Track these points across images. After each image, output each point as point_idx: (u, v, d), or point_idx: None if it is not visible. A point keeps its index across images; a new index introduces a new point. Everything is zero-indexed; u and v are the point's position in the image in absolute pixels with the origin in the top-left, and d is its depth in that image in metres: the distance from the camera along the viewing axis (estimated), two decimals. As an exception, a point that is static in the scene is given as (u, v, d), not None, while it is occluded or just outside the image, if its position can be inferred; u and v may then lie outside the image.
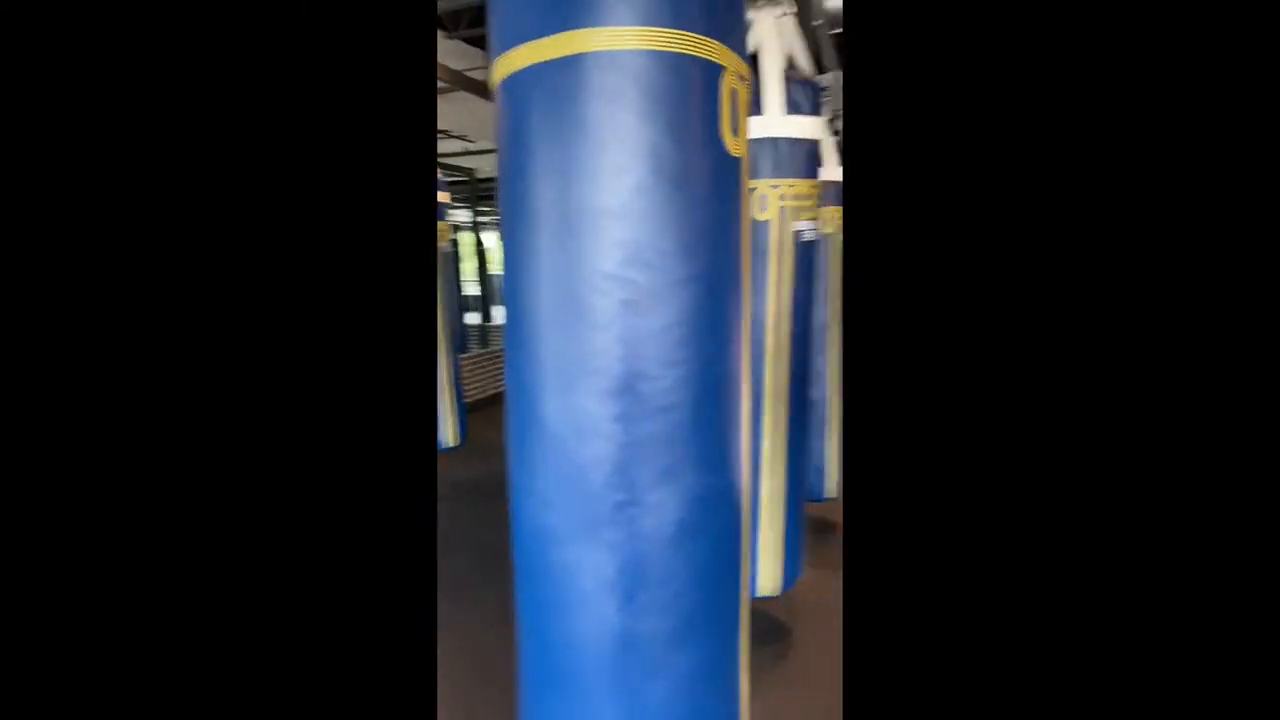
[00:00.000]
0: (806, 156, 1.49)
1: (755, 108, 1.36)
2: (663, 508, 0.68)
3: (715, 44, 0.63)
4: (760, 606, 1.96)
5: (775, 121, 1.45)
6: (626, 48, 0.61)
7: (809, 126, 1.49)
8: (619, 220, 0.64)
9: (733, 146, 0.66)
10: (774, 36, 1.42)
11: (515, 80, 0.66)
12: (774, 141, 1.44)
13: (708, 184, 0.65)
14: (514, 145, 0.68)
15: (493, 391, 5.19)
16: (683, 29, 0.61)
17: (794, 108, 1.46)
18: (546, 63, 0.63)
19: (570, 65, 0.62)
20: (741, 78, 0.67)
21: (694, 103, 0.63)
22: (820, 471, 2.53)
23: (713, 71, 0.63)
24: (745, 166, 0.69)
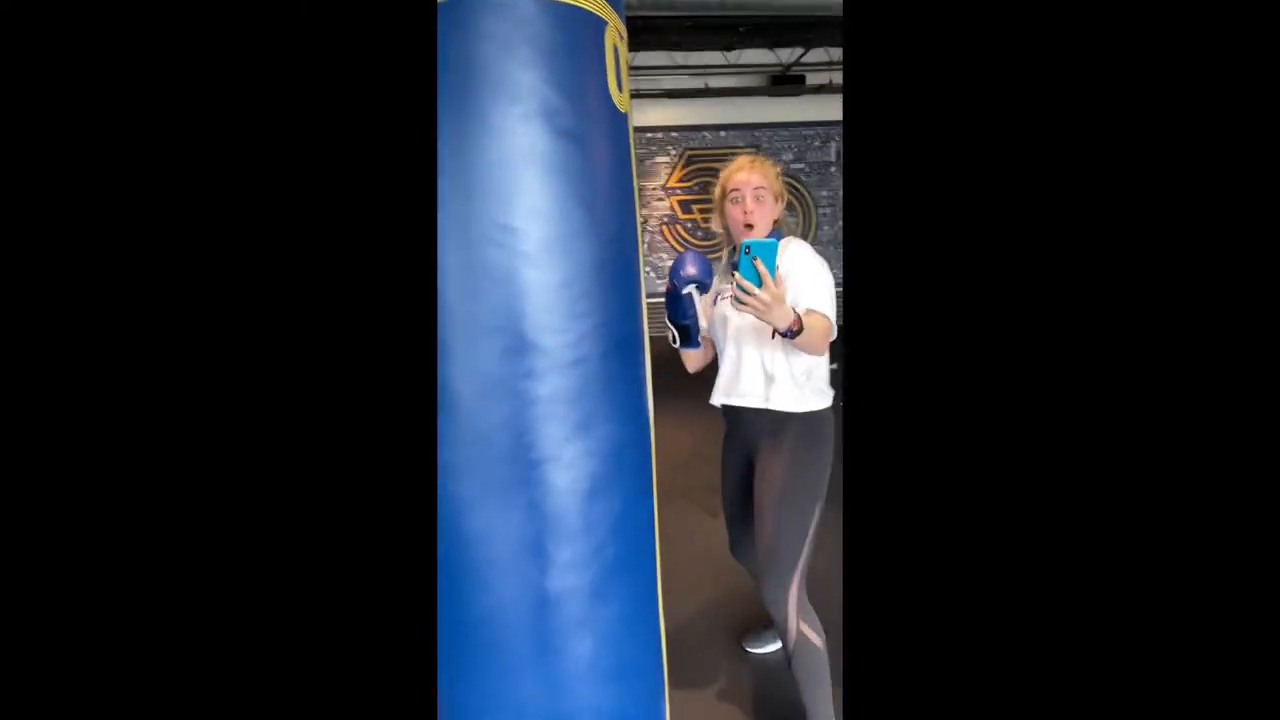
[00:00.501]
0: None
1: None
2: (577, 463, 0.68)
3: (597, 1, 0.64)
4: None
5: None
6: None
7: None
8: (513, 170, 0.63)
9: (620, 102, 0.67)
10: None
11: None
12: None
13: (601, 138, 0.66)
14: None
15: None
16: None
17: None
18: (442, 3, 0.60)
19: (460, 6, 0.60)
20: (621, 35, 0.69)
21: (583, 56, 0.64)
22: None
23: (598, 26, 0.64)
24: (630, 123, 0.71)
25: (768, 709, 1.69)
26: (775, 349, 1.38)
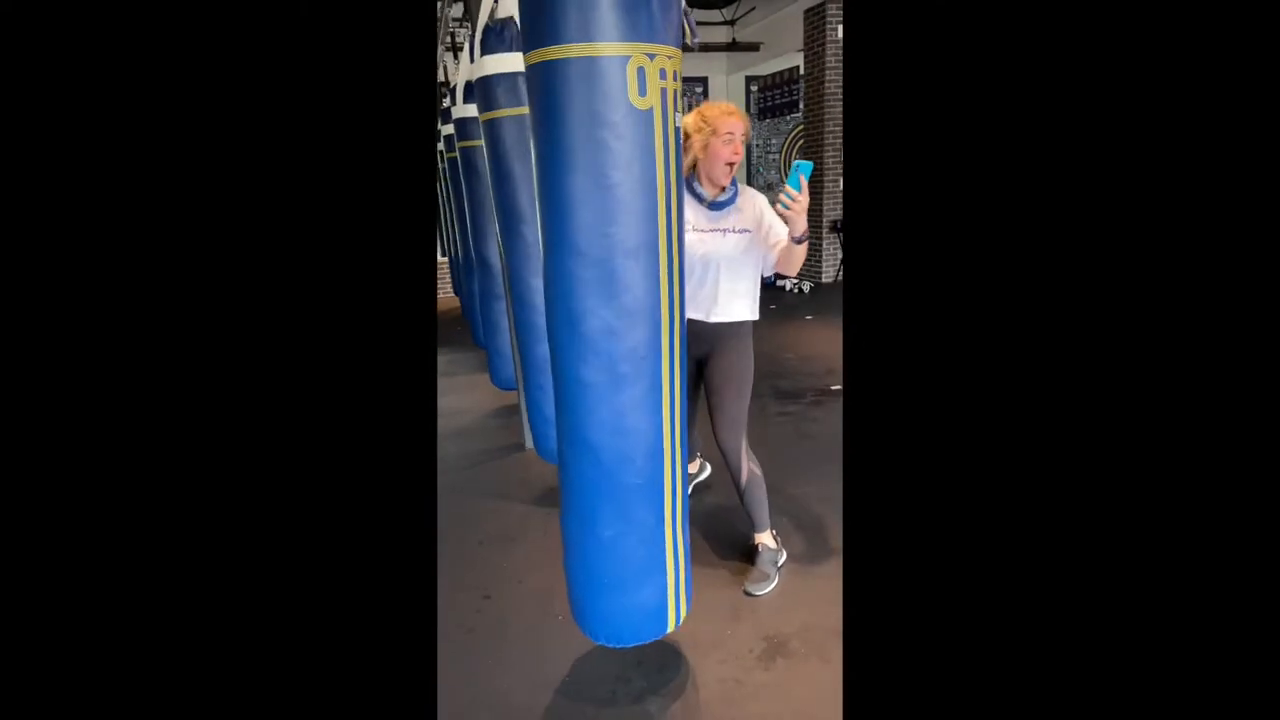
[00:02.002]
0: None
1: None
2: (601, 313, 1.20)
3: (617, 45, 1.07)
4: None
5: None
6: (569, 56, 1.07)
7: None
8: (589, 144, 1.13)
9: (640, 103, 1.11)
10: None
11: (535, 69, 1.13)
12: None
13: (626, 131, 1.11)
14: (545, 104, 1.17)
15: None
16: (581, 41, 1.07)
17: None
18: (551, 62, 1.10)
19: (552, 65, 1.09)
20: (649, 55, 1.10)
21: (609, 80, 1.08)
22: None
23: (616, 63, 1.08)
24: (656, 114, 1.13)
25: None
26: (743, 278, 1.93)
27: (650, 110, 1.12)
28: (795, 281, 6.90)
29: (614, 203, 1.14)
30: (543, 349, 1.95)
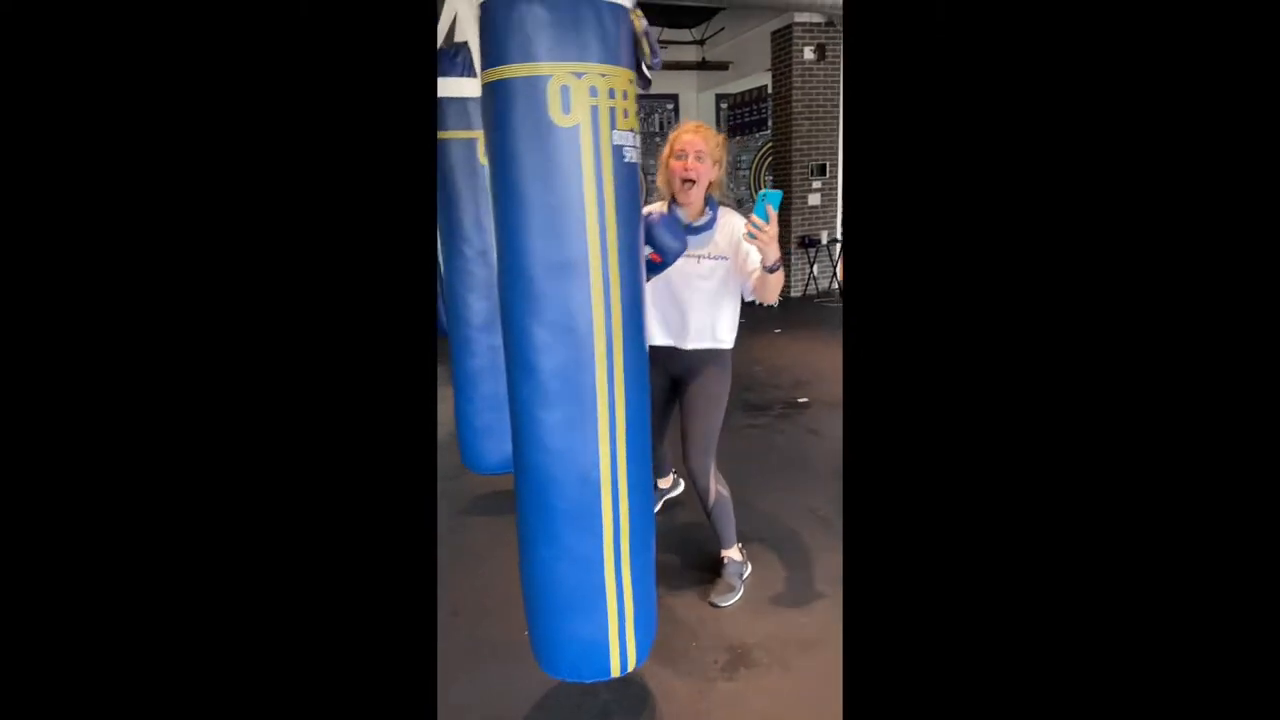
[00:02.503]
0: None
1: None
2: (530, 338, 1.20)
3: (543, 64, 1.08)
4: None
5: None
6: (504, 78, 1.09)
7: None
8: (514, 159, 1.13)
9: (563, 120, 1.11)
10: None
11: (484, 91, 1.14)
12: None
13: (539, 147, 1.12)
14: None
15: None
16: (517, 62, 1.08)
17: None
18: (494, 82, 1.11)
19: (491, 86, 1.11)
20: (576, 74, 1.11)
21: (532, 99, 1.09)
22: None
23: (540, 81, 1.09)
24: (584, 131, 1.14)
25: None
26: (719, 306, 1.92)
27: (575, 127, 1.13)
28: (766, 296, 6.94)
29: (536, 218, 1.15)
30: (474, 362, 1.90)
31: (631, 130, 1.20)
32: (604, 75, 1.12)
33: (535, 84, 1.09)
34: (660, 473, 2.55)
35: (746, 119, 8.19)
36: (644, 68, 1.24)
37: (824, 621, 1.94)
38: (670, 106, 8.92)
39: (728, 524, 2.10)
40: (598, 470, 1.29)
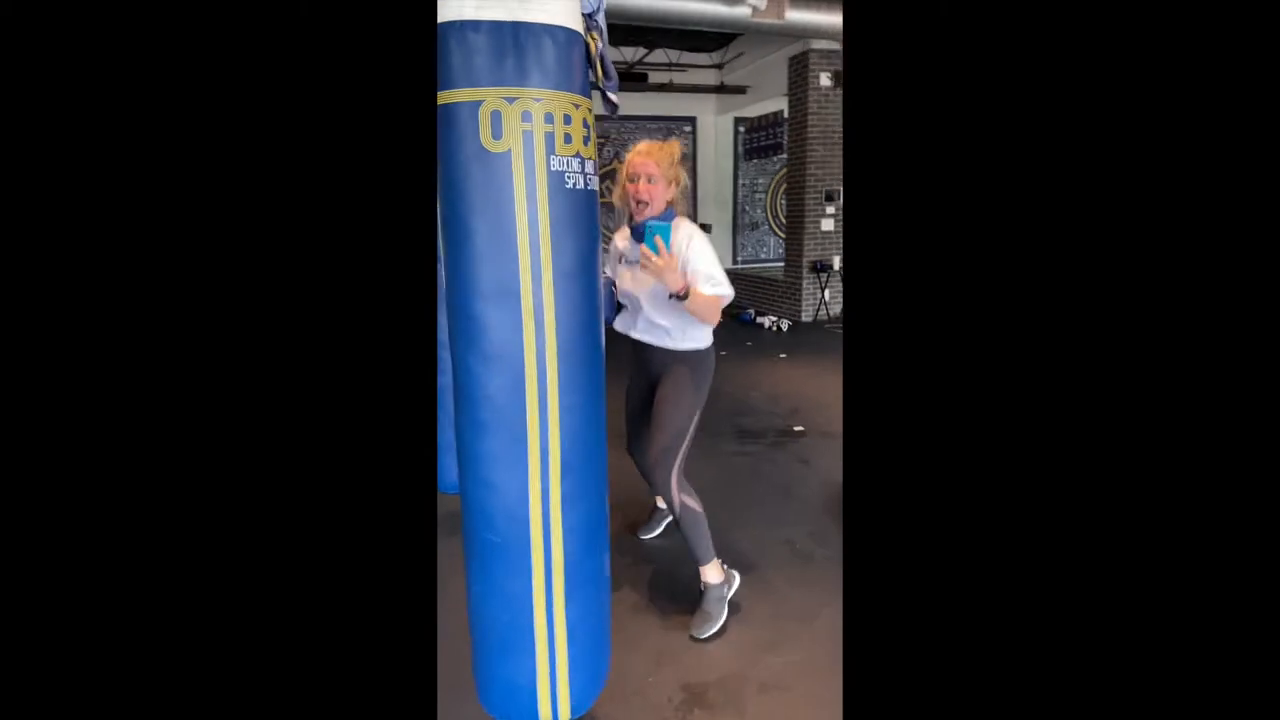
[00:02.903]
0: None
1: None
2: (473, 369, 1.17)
3: (478, 90, 1.07)
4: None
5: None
6: (443, 103, 1.08)
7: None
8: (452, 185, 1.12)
9: (493, 146, 1.10)
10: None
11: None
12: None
13: (478, 170, 1.10)
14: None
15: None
16: (458, 87, 1.07)
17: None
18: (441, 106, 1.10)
19: (441, 110, 1.10)
20: (507, 99, 1.10)
21: (466, 125, 1.08)
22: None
23: (472, 106, 1.08)
24: (516, 157, 1.13)
25: (663, 569, 2.18)
26: (664, 307, 1.86)
27: (507, 153, 1.11)
28: (775, 319, 6.88)
29: (469, 245, 1.13)
30: (440, 379, 1.86)
31: (578, 155, 1.17)
32: (538, 100, 1.11)
33: (462, 111, 1.08)
34: (652, 490, 2.46)
35: (762, 143, 8.18)
36: (606, 94, 1.23)
37: (787, 663, 1.87)
38: (689, 129, 8.96)
39: (700, 538, 1.99)
40: (526, 507, 1.25)
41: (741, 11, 5.07)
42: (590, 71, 1.18)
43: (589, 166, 1.21)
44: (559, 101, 1.13)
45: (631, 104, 8.19)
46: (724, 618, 2.01)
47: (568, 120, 1.14)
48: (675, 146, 1.87)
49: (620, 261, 1.97)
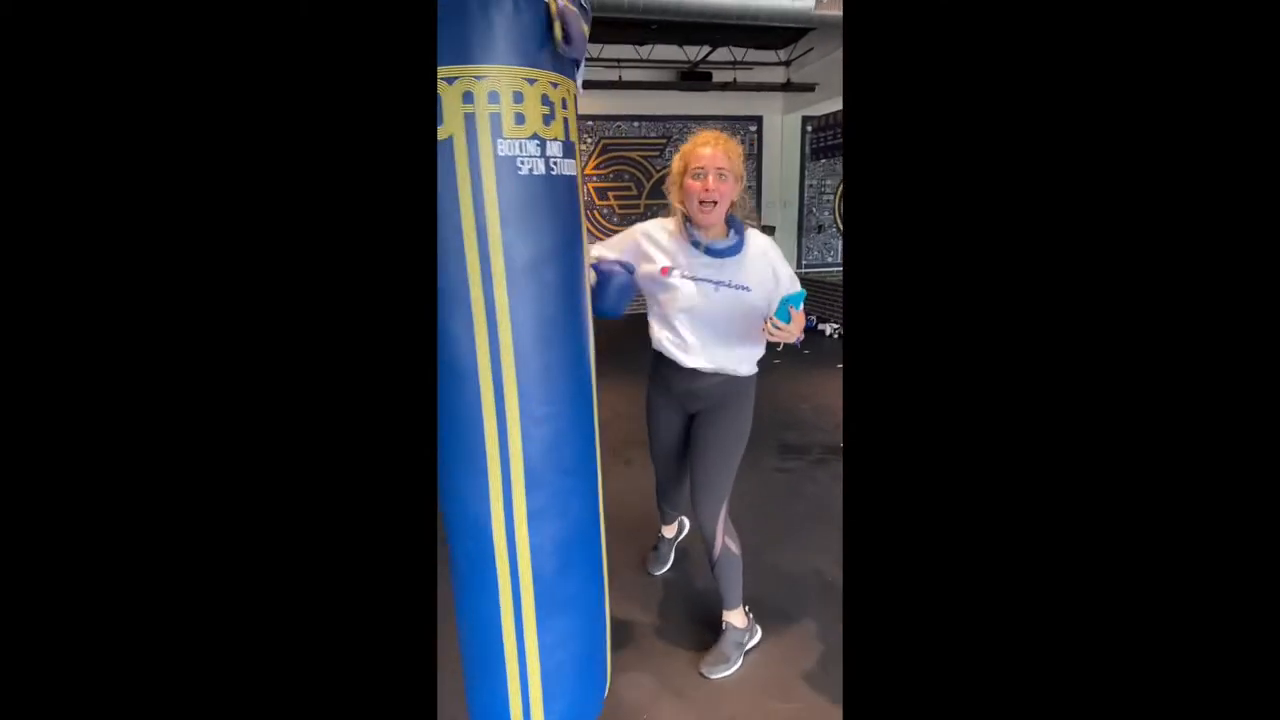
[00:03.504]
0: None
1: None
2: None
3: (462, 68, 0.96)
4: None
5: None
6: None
7: None
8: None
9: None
10: None
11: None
12: None
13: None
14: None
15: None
16: (448, 64, 0.95)
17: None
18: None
19: None
20: (446, 80, 0.98)
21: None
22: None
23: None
24: (459, 143, 1.01)
25: (679, 601, 2.17)
26: (736, 333, 1.65)
27: (448, 141, 1.00)
28: (836, 326, 6.56)
29: (409, 243, 1.02)
30: None
31: (534, 137, 1.03)
32: (480, 78, 0.98)
33: None
34: (665, 519, 2.28)
35: (830, 142, 7.83)
36: (570, 60, 1.07)
37: (800, 710, 1.68)
38: (754, 129, 8.70)
39: (733, 583, 1.82)
40: (489, 525, 1.15)
41: (804, 4, 4.83)
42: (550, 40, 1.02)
43: (554, 149, 1.07)
44: (507, 77, 1.00)
45: (695, 104, 8.01)
46: (739, 665, 1.84)
47: (518, 98, 1.01)
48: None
49: (671, 271, 1.63)
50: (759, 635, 1.94)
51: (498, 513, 1.15)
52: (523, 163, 1.04)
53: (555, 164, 1.08)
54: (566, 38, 1.02)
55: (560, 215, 1.11)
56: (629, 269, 1.62)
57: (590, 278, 1.60)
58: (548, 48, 1.03)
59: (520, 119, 1.02)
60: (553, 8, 1.01)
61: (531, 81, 1.03)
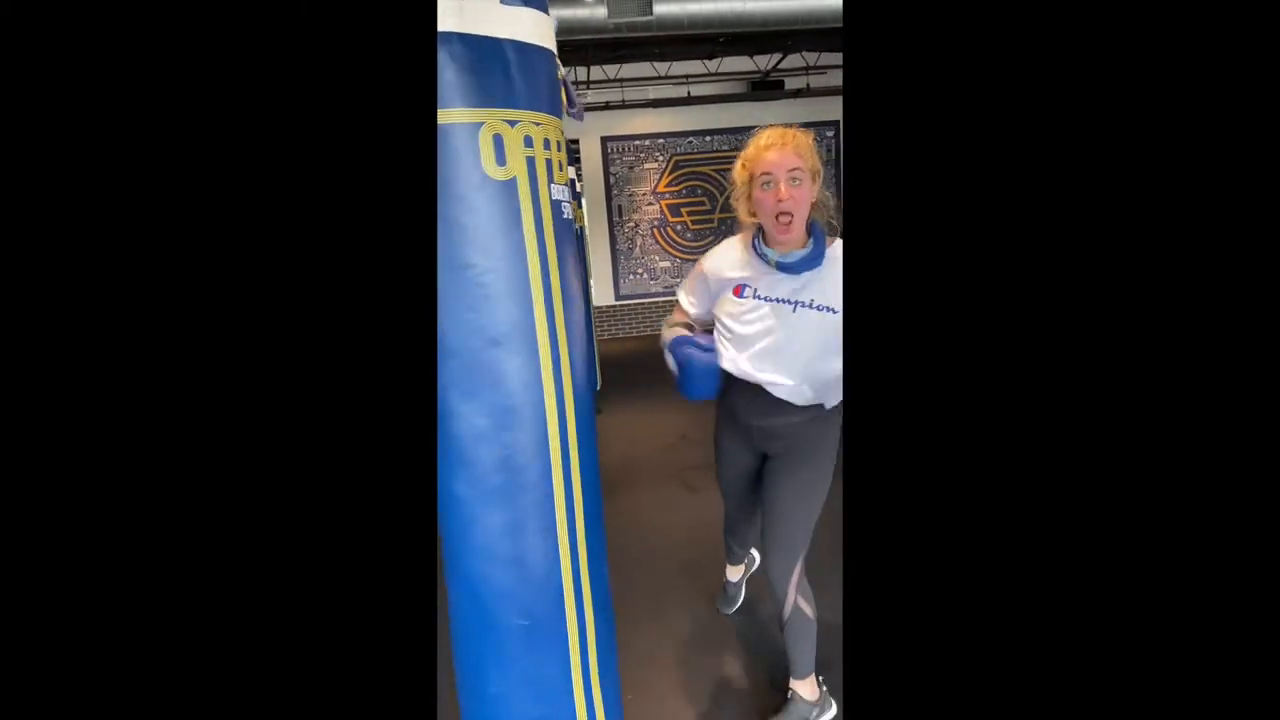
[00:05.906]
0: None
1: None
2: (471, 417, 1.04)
3: (467, 110, 0.94)
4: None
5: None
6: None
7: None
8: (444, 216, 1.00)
9: (497, 173, 0.97)
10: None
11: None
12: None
13: (482, 203, 0.98)
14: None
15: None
16: (452, 107, 0.93)
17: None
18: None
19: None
20: (508, 122, 0.97)
21: (464, 148, 0.95)
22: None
23: (470, 128, 0.95)
24: (522, 185, 0.99)
25: (746, 655, 2.01)
26: (822, 360, 1.41)
27: (513, 181, 0.98)
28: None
29: (472, 285, 1.00)
30: None
31: (566, 185, 1.08)
32: (538, 124, 0.99)
33: (457, 133, 0.95)
34: (731, 557, 2.10)
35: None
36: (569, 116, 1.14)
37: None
38: (830, 134, 8.49)
39: (805, 648, 1.57)
40: (560, 576, 1.11)
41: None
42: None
43: (568, 195, 1.12)
44: (552, 127, 1.03)
45: (767, 114, 7.90)
46: None
47: (560, 147, 1.06)
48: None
49: (743, 290, 1.41)
50: (833, 710, 1.67)
51: (566, 567, 1.10)
52: (564, 207, 1.06)
53: (570, 210, 1.11)
54: (570, 100, 1.10)
55: (579, 261, 1.17)
56: (708, 348, 1.45)
57: (669, 362, 1.52)
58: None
59: (562, 166, 1.06)
60: (560, 72, 1.08)
61: (562, 133, 1.07)
